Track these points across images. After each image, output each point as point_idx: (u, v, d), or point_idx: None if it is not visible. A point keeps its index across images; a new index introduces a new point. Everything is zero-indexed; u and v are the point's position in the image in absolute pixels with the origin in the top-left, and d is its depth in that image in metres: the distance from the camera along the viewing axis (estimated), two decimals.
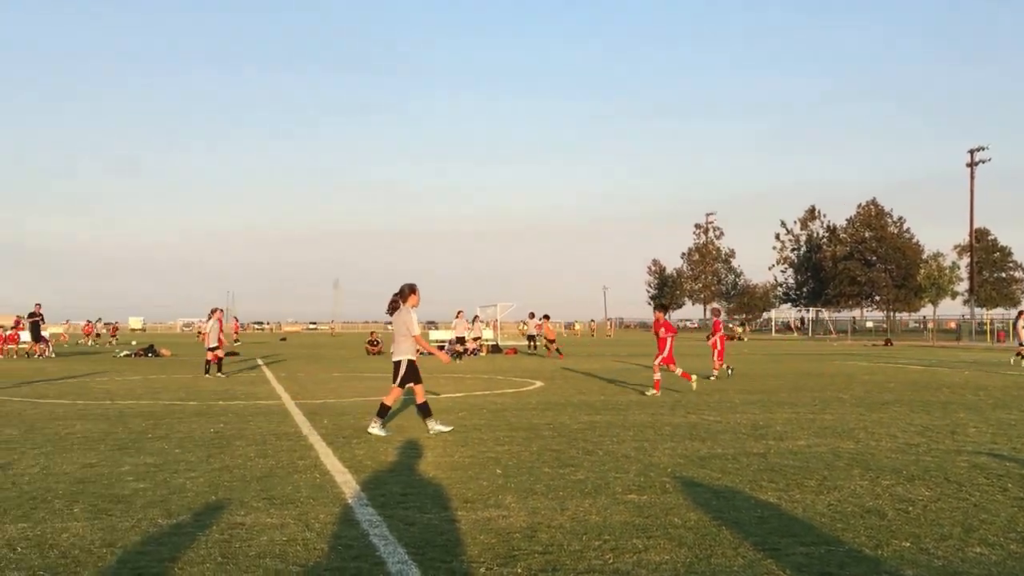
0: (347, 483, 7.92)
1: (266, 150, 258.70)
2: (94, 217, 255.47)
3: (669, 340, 17.52)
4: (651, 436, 11.06)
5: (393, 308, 11.54)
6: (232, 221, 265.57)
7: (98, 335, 63.70)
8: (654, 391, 16.85)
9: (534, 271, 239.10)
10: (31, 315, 36.95)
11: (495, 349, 40.84)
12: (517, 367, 27.98)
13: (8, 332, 39.22)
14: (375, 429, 11.11)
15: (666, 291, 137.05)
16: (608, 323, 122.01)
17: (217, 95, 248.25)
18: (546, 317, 38.93)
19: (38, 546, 5.76)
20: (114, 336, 65.09)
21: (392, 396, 11.40)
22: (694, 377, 18.03)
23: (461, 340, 34.93)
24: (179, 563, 5.36)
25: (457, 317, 36.16)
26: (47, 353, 36.46)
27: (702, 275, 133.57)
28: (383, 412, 11.32)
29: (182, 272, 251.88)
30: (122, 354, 37.88)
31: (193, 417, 13.17)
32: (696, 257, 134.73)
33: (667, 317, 18.39)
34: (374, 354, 37.72)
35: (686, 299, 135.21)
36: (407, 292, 11.50)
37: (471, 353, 35.25)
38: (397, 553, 5.58)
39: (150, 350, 37.80)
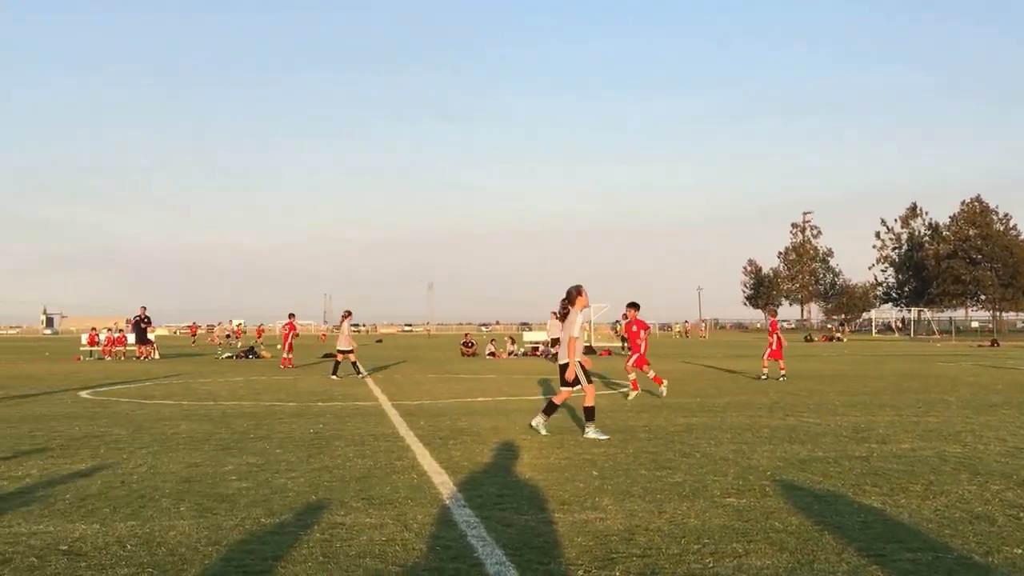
0: (444, 484, 7.98)
1: (361, 153, 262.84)
2: (194, 221, 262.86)
3: (643, 341, 17.29)
4: (749, 439, 10.88)
5: (564, 315, 11.43)
6: (328, 224, 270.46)
7: (228, 336, 65.33)
8: (633, 391, 16.69)
9: (628, 272, 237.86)
10: (137, 318, 38.20)
11: (588, 351, 40.70)
12: (610, 368, 27.84)
13: (116, 335, 40.62)
14: (592, 433, 11.06)
15: (762, 291, 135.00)
16: (702, 324, 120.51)
17: (313, 99, 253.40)
18: (555, 314, 38.19)
19: (147, 543, 5.93)
20: (194, 335, 66.66)
21: (590, 396, 11.31)
22: (664, 382, 16.97)
23: (556, 342, 34.78)
24: (282, 561, 5.47)
25: (552, 318, 36.01)
26: (152, 355, 37.64)
27: (799, 275, 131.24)
28: (590, 415, 11.26)
29: (280, 275, 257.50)
30: (224, 356, 38.90)
31: (293, 418, 13.43)
32: (793, 256, 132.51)
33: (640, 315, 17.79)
34: (469, 356, 37.99)
35: (783, 299, 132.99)
36: (574, 295, 11.35)
37: None
38: (495, 555, 5.59)
39: (251, 352, 38.71)
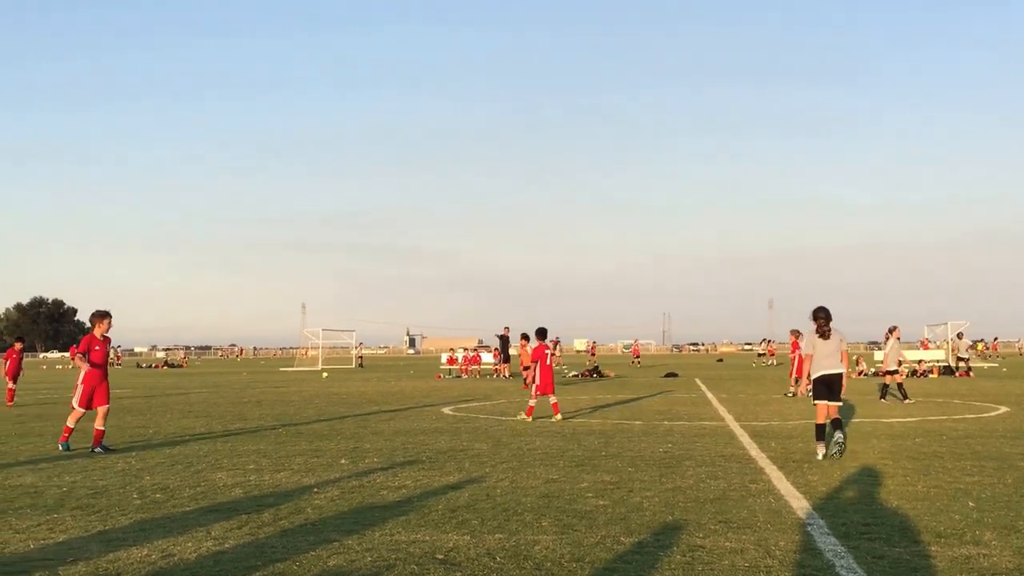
0: (803, 509, 7.66)
1: (703, 170, 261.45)
2: (544, 244, 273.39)
3: (537, 367, 16.79)
4: None
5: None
6: (670, 244, 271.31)
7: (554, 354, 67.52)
8: (524, 416, 16.58)
9: (985, 284, 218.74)
10: (501, 337, 40.20)
11: (947, 371, 37.75)
12: (975, 390, 25.63)
13: (471, 353, 43.10)
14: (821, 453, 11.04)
15: None
16: None
17: (651, 115, 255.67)
18: (524, 337, 32.69)
19: (514, 556, 6.16)
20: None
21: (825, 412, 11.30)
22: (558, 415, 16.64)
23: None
24: None
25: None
26: (505, 373, 39.52)
27: None
28: (819, 435, 11.19)
29: (622, 295, 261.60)
30: (570, 374, 40.03)
31: (641, 436, 13.52)
32: None
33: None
34: None
35: None
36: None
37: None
38: None
39: (595, 371, 39.62)
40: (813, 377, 11.35)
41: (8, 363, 23.28)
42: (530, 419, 16.42)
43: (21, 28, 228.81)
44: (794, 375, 23.42)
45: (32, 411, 20.97)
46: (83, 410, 12.64)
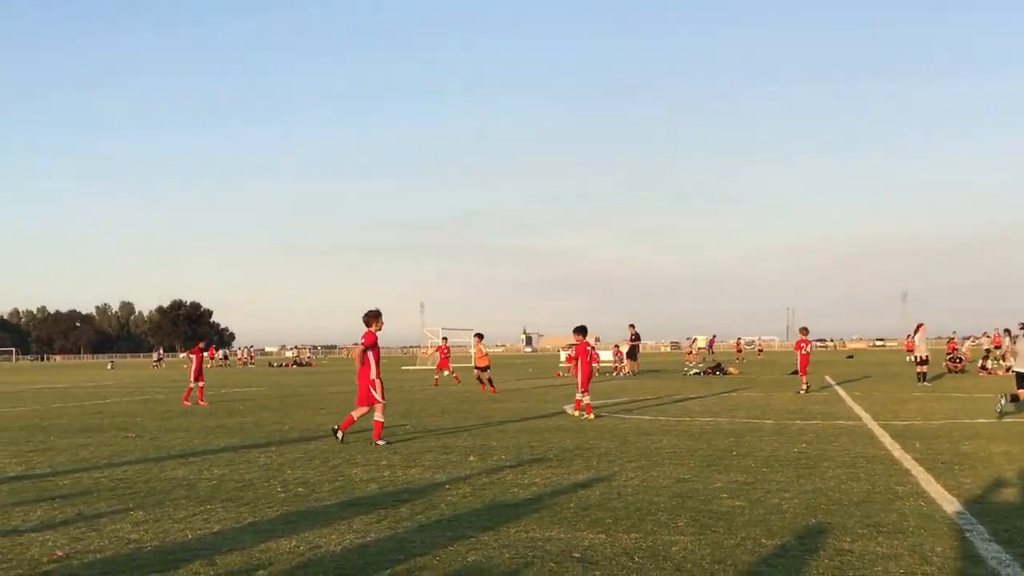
0: (959, 514, 7.27)
1: (830, 164, 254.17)
2: (659, 242, 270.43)
3: (580, 364, 16.96)
4: None
5: None
6: (796, 237, 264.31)
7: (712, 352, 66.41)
8: (587, 416, 16.49)
9: None
10: (632, 336, 40.06)
11: None
12: None
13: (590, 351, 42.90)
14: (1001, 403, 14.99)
15: None
16: None
17: (773, 107, 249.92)
18: (478, 336, 30.24)
19: (652, 557, 6.01)
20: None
21: None
22: (591, 415, 16.61)
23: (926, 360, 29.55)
24: None
25: (918, 335, 31.49)
26: (623, 371, 39.22)
27: None
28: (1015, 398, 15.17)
29: (743, 290, 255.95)
30: (692, 372, 39.42)
31: (772, 436, 13.15)
32: None
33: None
34: (957, 372, 34.84)
35: None
36: None
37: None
38: None
39: (718, 368, 38.90)
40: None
41: (194, 362, 23.50)
42: (592, 416, 16.48)
43: (148, 44, 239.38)
44: (801, 372, 24.42)
45: (177, 407, 21.77)
46: (384, 402, 12.84)
